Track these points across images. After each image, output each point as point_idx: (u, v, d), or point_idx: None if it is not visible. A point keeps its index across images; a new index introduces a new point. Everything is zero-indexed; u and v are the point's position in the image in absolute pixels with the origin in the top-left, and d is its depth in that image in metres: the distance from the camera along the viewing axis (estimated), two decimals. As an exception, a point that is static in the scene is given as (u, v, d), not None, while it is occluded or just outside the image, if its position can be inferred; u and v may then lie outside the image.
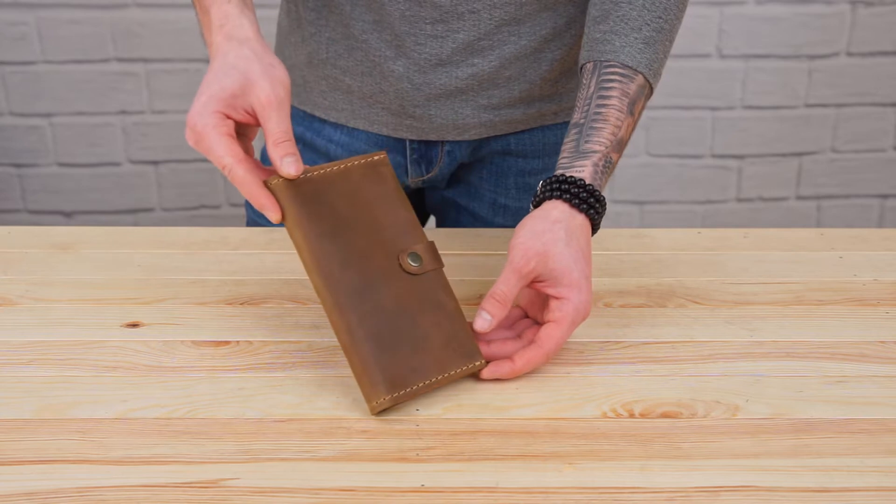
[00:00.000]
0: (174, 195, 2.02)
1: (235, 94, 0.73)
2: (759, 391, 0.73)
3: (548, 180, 0.78)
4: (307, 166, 0.74)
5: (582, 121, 0.81)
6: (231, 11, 0.77)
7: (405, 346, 0.71)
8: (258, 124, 0.75)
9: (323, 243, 0.72)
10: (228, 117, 0.74)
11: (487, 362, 0.73)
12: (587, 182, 0.77)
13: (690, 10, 1.91)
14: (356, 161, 0.76)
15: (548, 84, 1.00)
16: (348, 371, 0.74)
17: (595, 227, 0.79)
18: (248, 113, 0.74)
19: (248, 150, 0.77)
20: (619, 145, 0.81)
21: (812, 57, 1.98)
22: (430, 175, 1.04)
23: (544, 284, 0.75)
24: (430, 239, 0.76)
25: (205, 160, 1.98)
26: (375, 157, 0.77)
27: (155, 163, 1.99)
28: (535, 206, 0.78)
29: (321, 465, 0.64)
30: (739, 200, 2.10)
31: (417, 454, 0.66)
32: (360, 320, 0.70)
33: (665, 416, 0.70)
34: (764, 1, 1.93)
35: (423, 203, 1.12)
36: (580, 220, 0.77)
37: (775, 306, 0.84)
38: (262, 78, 0.73)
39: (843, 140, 2.06)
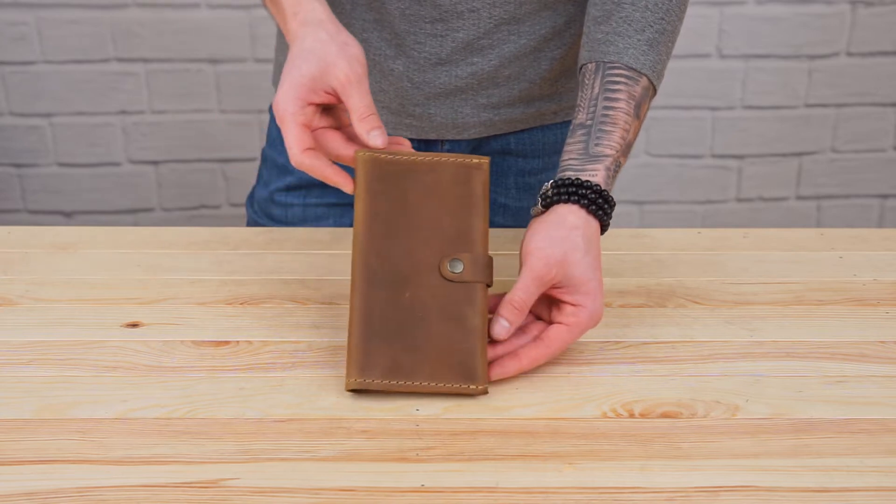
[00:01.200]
0: (174, 195, 2.02)
1: (315, 77, 0.75)
2: (759, 391, 0.73)
3: (559, 182, 0.77)
4: (406, 149, 0.76)
5: (589, 122, 0.80)
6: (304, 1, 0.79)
7: (402, 342, 0.71)
8: (341, 102, 0.76)
9: (375, 224, 0.74)
10: (310, 103, 0.76)
11: (486, 391, 0.71)
12: (602, 187, 0.77)
13: (690, 10, 1.91)
14: (453, 158, 0.77)
15: (547, 83, 1.00)
16: (348, 371, 0.74)
17: (603, 230, 0.79)
18: (330, 93, 0.76)
19: (342, 120, 0.79)
20: (628, 149, 0.81)
21: (812, 57, 1.98)
22: (430, 175, 1.04)
23: (561, 291, 0.74)
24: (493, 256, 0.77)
25: (205, 160, 1.98)
26: (474, 161, 0.77)
27: (155, 163, 1.99)
28: (545, 208, 0.77)
29: (321, 465, 0.64)
30: (739, 200, 2.10)
31: (417, 454, 0.66)
32: (370, 303, 0.72)
33: (665, 416, 0.70)
34: (764, 1, 1.93)
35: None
36: (595, 226, 0.77)
37: (775, 306, 0.84)
38: (339, 58, 0.75)
39: (843, 140, 2.06)
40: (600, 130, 0.80)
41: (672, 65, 1.95)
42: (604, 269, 0.90)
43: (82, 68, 1.90)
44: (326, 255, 0.92)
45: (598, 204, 0.77)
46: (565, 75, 1.01)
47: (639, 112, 0.81)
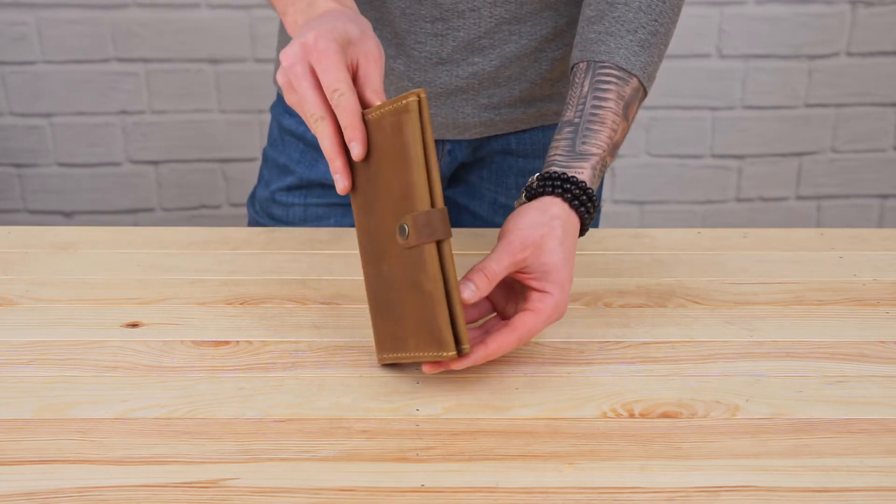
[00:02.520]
0: (174, 195, 2.02)
1: (352, 39, 0.72)
2: (759, 391, 0.73)
3: (545, 175, 0.78)
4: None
5: (577, 120, 0.80)
6: None
7: (390, 316, 0.73)
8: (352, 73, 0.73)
9: (357, 200, 0.74)
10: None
11: (460, 353, 0.69)
12: (587, 185, 0.77)
13: (690, 10, 1.91)
14: (389, 106, 0.69)
15: (548, 84, 1.00)
16: (348, 371, 0.74)
17: (583, 231, 0.78)
18: (351, 64, 0.72)
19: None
20: (614, 149, 0.81)
21: (812, 57, 1.98)
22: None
23: (530, 277, 0.74)
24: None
25: (205, 160, 1.98)
26: (402, 102, 0.67)
27: (155, 163, 1.99)
28: (528, 199, 0.78)
29: (321, 465, 0.64)
30: (739, 200, 2.10)
31: (417, 454, 0.66)
32: (369, 281, 0.75)
33: (665, 416, 0.70)
34: (764, 1, 1.93)
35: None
36: (575, 222, 0.77)
37: (775, 306, 0.84)
38: (370, 38, 0.74)
39: (843, 140, 2.06)
40: (587, 129, 0.80)
41: (672, 65, 1.95)
42: (604, 269, 0.90)
43: (82, 68, 1.90)
44: (327, 255, 0.92)
45: (582, 200, 0.77)
46: (566, 76, 1.01)
47: (627, 113, 0.81)
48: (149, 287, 0.86)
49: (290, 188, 1.04)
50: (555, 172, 0.77)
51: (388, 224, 0.71)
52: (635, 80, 0.82)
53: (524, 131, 1.03)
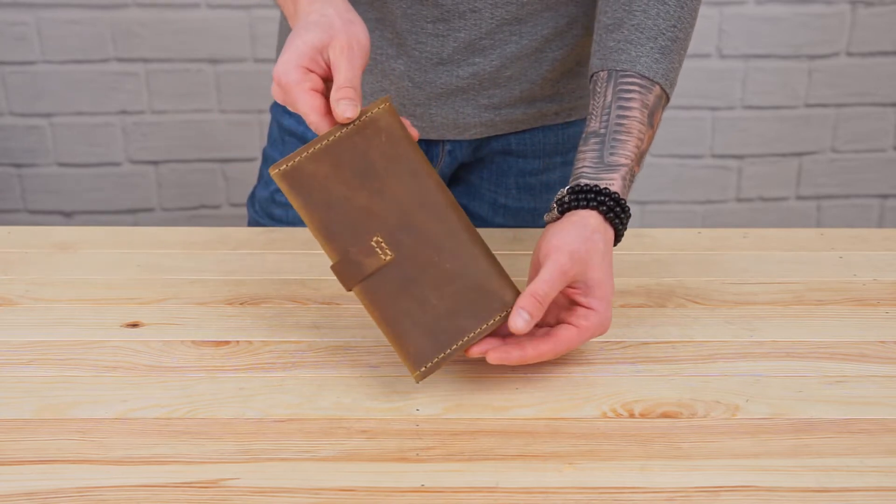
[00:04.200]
0: (174, 195, 2.02)
1: (317, 47, 0.74)
2: (759, 391, 0.73)
3: (576, 188, 0.77)
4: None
5: (602, 131, 0.80)
6: None
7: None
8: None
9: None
10: (312, 71, 0.74)
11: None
12: (620, 196, 0.77)
13: (690, 10, 1.91)
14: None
15: (549, 84, 1.00)
16: (348, 371, 0.74)
17: (616, 242, 0.79)
18: (329, 66, 0.74)
19: None
20: (641, 158, 0.81)
21: (812, 57, 1.98)
22: (430, 174, 1.04)
23: (577, 291, 0.74)
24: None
25: (205, 160, 1.98)
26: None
27: (155, 163, 1.99)
28: (561, 214, 0.77)
29: (321, 465, 0.64)
30: (739, 200, 2.10)
31: (417, 454, 0.66)
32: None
33: (665, 416, 0.70)
34: (764, 1, 1.93)
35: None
36: (611, 234, 0.77)
37: (775, 306, 0.84)
38: (341, 32, 0.74)
39: (843, 140, 2.06)
40: (615, 139, 0.79)
41: (672, 65, 1.95)
42: (604, 269, 0.90)
43: (82, 68, 1.90)
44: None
45: (616, 212, 0.77)
46: (566, 76, 1.01)
47: (652, 121, 0.81)
48: (149, 287, 0.86)
49: None
50: (587, 185, 0.77)
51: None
52: (658, 87, 0.82)
53: (524, 131, 1.03)
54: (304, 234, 0.96)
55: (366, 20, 0.95)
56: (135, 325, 0.80)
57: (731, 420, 0.70)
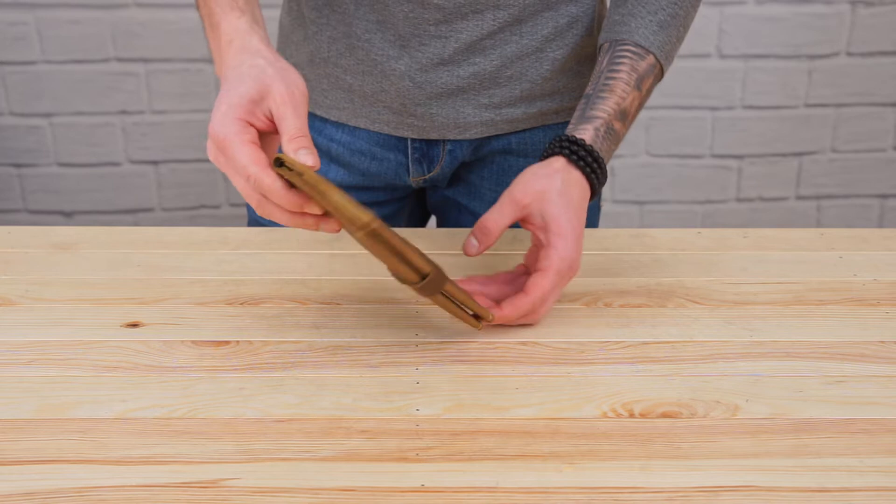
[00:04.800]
0: (174, 195, 2.02)
1: (254, 99, 0.70)
2: (759, 391, 0.73)
3: (551, 142, 0.82)
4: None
5: (590, 92, 0.86)
6: (242, 27, 0.76)
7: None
8: (276, 130, 0.72)
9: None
10: (250, 125, 0.70)
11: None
12: (587, 142, 0.81)
13: (690, 10, 1.91)
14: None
15: (549, 84, 1.00)
16: (348, 371, 0.74)
17: (594, 192, 0.82)
18: (268, 119, 0.71)
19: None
20: (623, 115, 0.85)
21: (812, 57, 1.98)
22: (431, 174, 1.04)
23: (535, 227, 0.78)
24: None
25: (205, 160, 1.98)
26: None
27: (155, 163, 1.99)
28: None
29: (321, 465, 0.64)
30: (739, 200, 2.10)
31: (417, 454, 0.66)
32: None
33: (665, 416, 0.70)
34: (764, 1, 1.93)
35: (425, 202, 1.12)
36: (576, 176, 0.80)
37: (775, 306, 0.84)
38: (277, 80, 0.71)
39: (843, 140, 2.06)
40: (598, 97, 0.85)
41: (672, 64, 1.95)
42: (604, 269, 0.90)
43: (82, 68, 1.90)
44: (326, 255, 0.92)
45: (580, 155, 0.80)
46: (567, 75, 1.01)
47: (640, 85, 0.86)
48: (149, 287, 0.86)
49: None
50: (558, 136, 0.82)
51: None
52: (652, 56, 0.86)
53: (525, 131, 1.03)
54: (304, 234, 0.96)
55: (368, 22, 0.95)
56: (135, 325, 0.80)
57: (731, 420, 0.70)
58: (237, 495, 0.61)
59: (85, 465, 0.64)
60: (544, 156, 0.83)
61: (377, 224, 0.68)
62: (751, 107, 2.01)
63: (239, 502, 0.61)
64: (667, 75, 1.96)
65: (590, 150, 0.81)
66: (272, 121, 0.71)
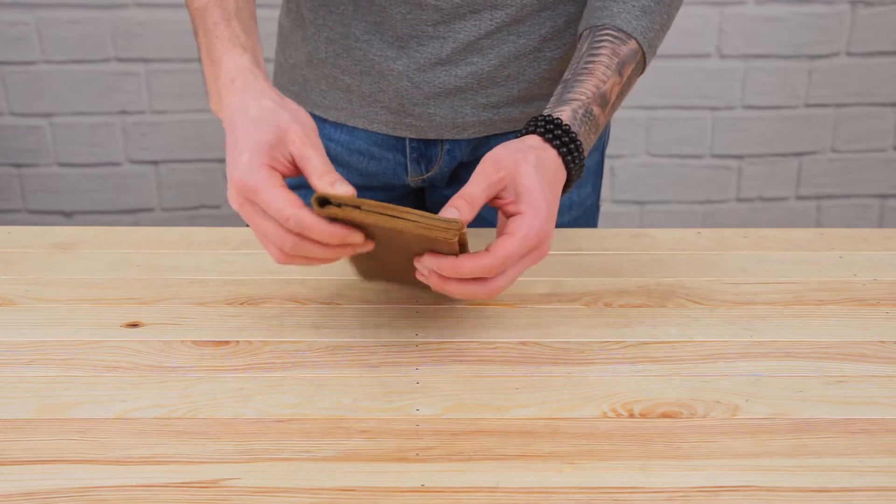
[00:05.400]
0: (174, 195, 2.02)
1: (273, 144, 0.69)
2: (759, 391, 0.73)
3: (528, 122, 0.79)
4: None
5: (569, 77, 0.82)
6: (244, 65, 0.75)
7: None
8: (297, 173, 0.71)
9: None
10: (275, 169, 0.69)
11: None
12: (563, 122, 0.77)
13: (690, 10, 1.91)
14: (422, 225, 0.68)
15: (547, 83, 1.00)
16: (348, 371, 0.74)
17: (570, 177, 0.77)
18: (289, 162, 0.70)
19: None
20: (602, 100, 0.81)
21: (812, 57, 1.98)
22: (430, 174, 1.04)
23: (507, 202, 0.73)
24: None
25: (205, 160, 1.98)
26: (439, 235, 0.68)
27: (155, 163, 1.99)
28: None
29: (321, 465, 0.64)
30: (739, 200, 2.10)
31: (417, 454, 0.66)
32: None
33: (665, 416, 0.70)
34: (764, 1, 1.93)
35: (424, 202, 1.12)
36: (552, 155, 0.76)
37: (775, 306, 0.84)
38: (293, 123, 0.70)
39: (843, 140, 2.06)
40: (576, 80, 0.81)
41: (672, 64, 1.95)
42: (604, 269, 0.90)
43: (82, 68, 1.90)
44: (326, 255, 0.92)
45: (556, 134, 0.76)
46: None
47: (621, 70, 0.82)
48: (149, 287, 0.86)
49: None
50: (535, 116, 0.78)
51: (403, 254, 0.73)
52: (633, 42, 0.82)
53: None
54: (304, 234, 0.96)
55: (366, 23, 0.95)
56: (135, 325, 0.80)
57: (731, 420, 0.70)
58: (237, 495, 0.61)
59: (85, 465, 0.64)
60: (519, 136, 0.78)
61: (463, 225, 0.68)
62: (751, 107, 2.01)
63: (239, 502, 0.61)
64: (667, 75, 1.96)
65: (566, 130, 0.77)
66: (292, 164, 0.70)
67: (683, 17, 1.90)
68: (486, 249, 0.70)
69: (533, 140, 0.76)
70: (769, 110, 2.02)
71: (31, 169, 1.98)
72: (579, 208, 1.07)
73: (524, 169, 0.73)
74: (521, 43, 0.96)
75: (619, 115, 1.96)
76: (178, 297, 0.85)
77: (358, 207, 0.66)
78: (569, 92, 0.80)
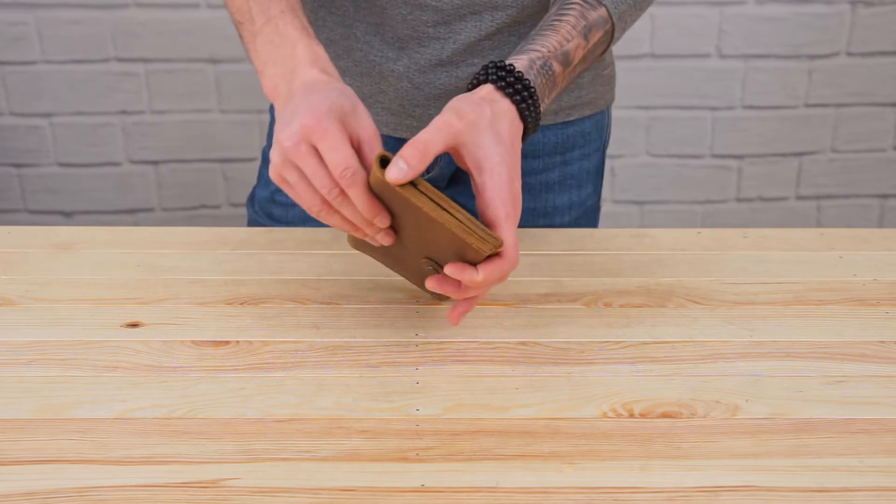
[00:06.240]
0: (174, 195, 2.02)
1: (348, 115, 0.70)
2: (759, 391, 0.73)
3: (481, 69, 0.75)
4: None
5: (532, 33, 0.80)
6: (322, 56, 0.76)
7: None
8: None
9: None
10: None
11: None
12: (516, 68, 0.74)
13: (690, 10, 1.91)
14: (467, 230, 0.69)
15: (548, 84, 1.00)
16: (348, 371, 0.74)
17: (527, 128, 0.75)
18: (350, 139, 0.70)
19: None
20: (565, 58, 0.78)
21: (812, 57, 1.98)
22: (430, 175, 1.04)
23: (466, 160, 0.71)
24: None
25: (205, 160, 1.98)
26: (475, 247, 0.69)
27: (155, 163, 1.99)
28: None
29: (321, 465, 0.64)
30: (739, 200, 2.10)
31: (417, 454, 0.66)
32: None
33: (665, 416, 0.70)
34: (764, 1, 1.93)
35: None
36: (505, 106, 0.73)
37: (775, 306, 0.84)
38: (367, 113, 0.72)
39: (843, 140, 2.06)
40: (538, 35, 0.78)
41: (672, 65, 1.95)
42: (604, 269, 0.90)
43: (82, 68, 1.90)
44: (327, 255, 0.92)
45: (509, 82, 0.73)
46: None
47: (587, 34, 0.79)
48: (149, 287, 0.86)
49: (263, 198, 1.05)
50: (488, 63, 0.75)
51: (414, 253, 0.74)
52: (604, 10, 0.80)
53: (524, 131, 1.02)
54: (304, 234, 0.96)
55: (367, 24, 0.95)
56: (135, 325, 0.80)
57: (731, 420, 0.70)
58: (237, 495, 0.61)
59: (85, 465, 0.64)
60: (470, 85, 0.75)
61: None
62: (751, 107, 2.01)
63: (239, 502, 0.61)
64: (667, 75, 1.96)
65: (519, 77, 0.73)
66: (352, 140, 0.70)
67: (683, 17, 1.91)
68: (476, 268, 0.70)
69: (485, 91, 0.73)
70: (769, 110, 2.02)
71: (31, 169, 1.98)
72: (580, 209, 1.07)
73: (482, 125, 0.70)
74: (522, 43, 0.96)
75: (619, 114, 1.96)
76: (178, 297, 0.85)
77: (414, 185, 0.67)
78: (529, 44, 0.78)
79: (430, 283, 0.73)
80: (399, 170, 0.66)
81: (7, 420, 0.68)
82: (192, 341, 0.78)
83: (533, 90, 0.74)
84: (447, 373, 0.74)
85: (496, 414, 0.70)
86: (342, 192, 0.69)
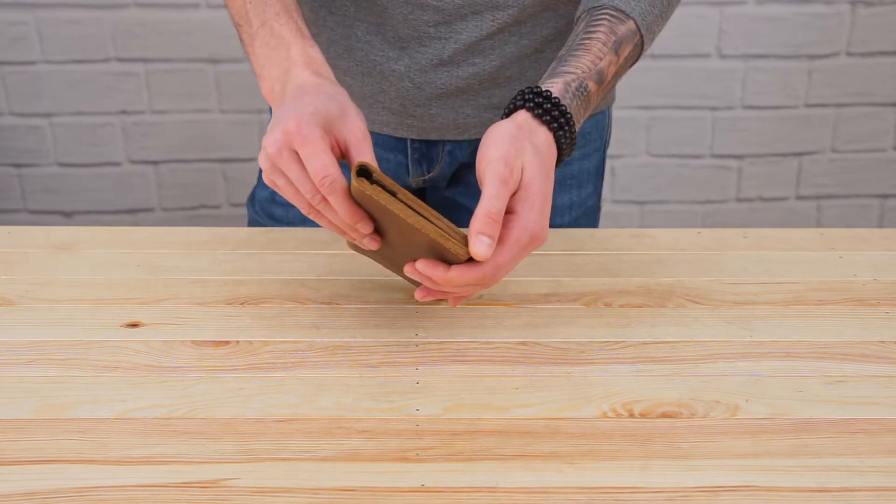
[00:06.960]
0: (174, 195, 2.02)
1: (334, 119, 0.71)
2: (759, 391, 0.73)
3: (517, 94, 0.75)
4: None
5: (563, 53, 0.79)
6: (317, 58, 0.77)
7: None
8: (339, 156, 0.72)
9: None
10: (327, 136, 0.71)
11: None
12: (553, 94, 0.74)
13: (690, 10, 1.91)
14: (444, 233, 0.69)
15: (548, 84, 1.00)
16: (348, 371, 0.74)
17: (561, 153, 0.75)
18: (338, 143, 0.72)
19: None
20: (599, 76, 0.78)
21: (812, 57, 1.98)
22: (431, 174, 1.04)
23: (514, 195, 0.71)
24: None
25: (205, 160, 1.98)
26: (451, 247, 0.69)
27: (155, 163, 1.99)
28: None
29: (321, 465, 0.64)
30: (739, 200, 2.10)
31: (417, 454, 0.66)
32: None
33: (665, 416, 0.70)
34: (764, 1, 1.93)
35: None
36: (542, 136, 0.73)
37: (775, 306, 0.84)
38: (357, 115, 0.72)
39: (843, 140, 2.06)
40: (570, 56, 0.78)
41: (672, 64, 1.95)
42: (604, 269, 0.90)
43: (82, 68, 1.90)
44: (326, 255, 0.92)
45: (546, 109, 0.73)
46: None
47: (618, 49, 0.79)
48: (149, 287, 0.86)
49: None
50: (524, 89, 0.75)
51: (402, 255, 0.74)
52: (632, 22, 0.80)
53: (524, 131, 1.02)
54: (304, 234, 0.96)
55: (368, 24, 0.95)
56: (135, 325, 0.80)
57: (731, 420, 0.70)
58: (237, 495, 0.61)
59: (85, 465, 0.64)
60: (506, 112, 0.75)
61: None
62: (751, 107, 2.01)
63: (239, 502, 0.61)
64: (667, 75, 1.96)
65: (556, 103, 0.73)
66: (339, 146, 0.72)
67: (683, 17, 1.90)
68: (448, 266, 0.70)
69: (522, 119, 0.73)
70: (769, 110, 2.02)
71: (31, 169, 1.98)
72: (580, 209, 1.07)
73: (527, 157, 0.70)
74: (523, 44, 0.96)
75: (619, 114, 1.96)
76: (178, 297, 0.85)
77: (394, 194, 0.68)
78: (563, 66, 0.78)
79: (408, 269, 0.72)
80: (488, 246, 0.67)
81: (7, 420, 0.68)
82: (192, 341, 0.78)
83: (570, 116, 0.74)
84: (447, 373, 0.74)
85: (496, 414, 0.70)
86: (324, 198, 0.70)
